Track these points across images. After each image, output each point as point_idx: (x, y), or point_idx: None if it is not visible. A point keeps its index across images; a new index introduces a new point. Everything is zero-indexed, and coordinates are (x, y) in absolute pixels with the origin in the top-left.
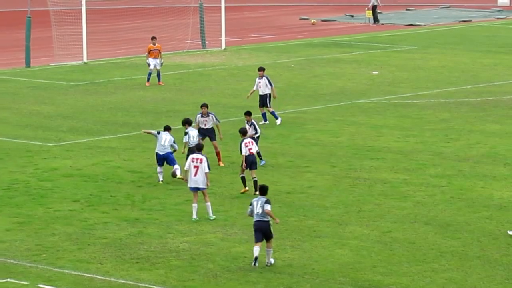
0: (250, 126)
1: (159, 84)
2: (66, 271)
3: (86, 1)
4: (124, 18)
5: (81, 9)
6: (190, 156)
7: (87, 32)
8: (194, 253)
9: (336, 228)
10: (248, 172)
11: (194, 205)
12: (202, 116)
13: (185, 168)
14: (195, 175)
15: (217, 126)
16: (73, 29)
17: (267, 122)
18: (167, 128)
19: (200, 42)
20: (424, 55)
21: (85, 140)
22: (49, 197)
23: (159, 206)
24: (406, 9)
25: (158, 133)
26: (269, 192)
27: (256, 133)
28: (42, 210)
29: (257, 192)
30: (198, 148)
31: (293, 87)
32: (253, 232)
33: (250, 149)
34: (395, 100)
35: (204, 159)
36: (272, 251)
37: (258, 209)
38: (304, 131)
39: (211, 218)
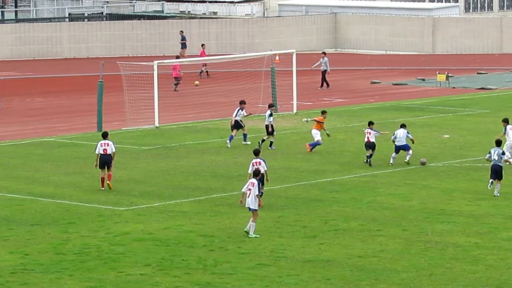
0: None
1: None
2: None
3: (158, 66)
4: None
5: (153, 73)
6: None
7: (159, 97)
8: None
9: None
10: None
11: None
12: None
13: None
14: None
15: None
16: (145, 94)
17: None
18: None
19: None
20: (495, 118)
21: (156, 204)
22: (121, 261)
23: (231, 270)
24: (478, 73)
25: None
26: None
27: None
28: (114, 274)
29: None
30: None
31: (365, 150)
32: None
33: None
34: (467, 164)
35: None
36: (500, 186)
37: (495, 156)
38: (376, 194)
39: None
